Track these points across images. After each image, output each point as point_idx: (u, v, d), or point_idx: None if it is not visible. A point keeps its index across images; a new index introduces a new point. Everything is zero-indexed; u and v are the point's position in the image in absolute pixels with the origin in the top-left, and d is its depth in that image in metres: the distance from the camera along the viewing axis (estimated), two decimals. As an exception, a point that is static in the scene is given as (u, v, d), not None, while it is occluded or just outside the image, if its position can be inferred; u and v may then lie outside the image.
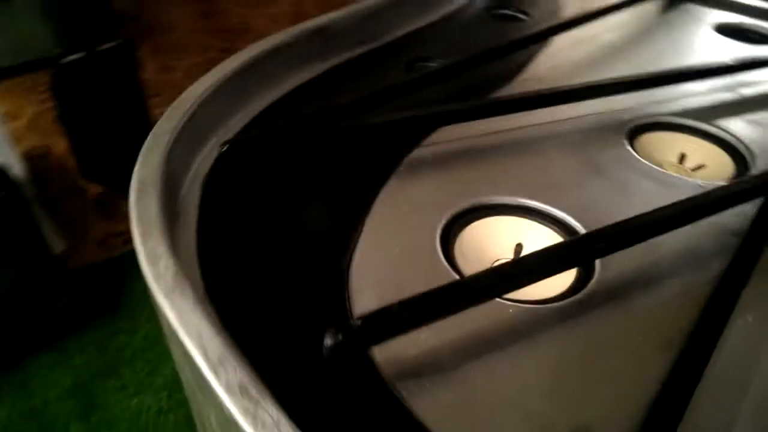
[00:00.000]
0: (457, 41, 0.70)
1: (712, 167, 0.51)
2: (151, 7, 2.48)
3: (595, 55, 0.68)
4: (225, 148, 0.46)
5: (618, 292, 0.35)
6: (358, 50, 0.64)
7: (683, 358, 0.30)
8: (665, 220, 0.36)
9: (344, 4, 0.62)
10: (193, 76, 0.48)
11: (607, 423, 0.27)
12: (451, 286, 0.31)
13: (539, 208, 0.43)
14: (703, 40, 0.72)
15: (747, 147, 0.50)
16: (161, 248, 0.32)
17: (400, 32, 0.69)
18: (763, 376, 0.30)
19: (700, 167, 0.52)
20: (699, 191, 0.42)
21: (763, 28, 0.75)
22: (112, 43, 1.46)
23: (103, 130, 1.51)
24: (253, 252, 0.38)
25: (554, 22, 0.66)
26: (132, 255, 0.32)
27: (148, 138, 0.42)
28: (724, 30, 0.74)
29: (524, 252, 0.42)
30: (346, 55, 0.63)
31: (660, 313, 0.34)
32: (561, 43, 0.68)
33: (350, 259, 0.37)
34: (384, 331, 0.28)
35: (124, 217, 0.35)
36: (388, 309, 0.28)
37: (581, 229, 0.40)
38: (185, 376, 0.32)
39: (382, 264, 0.37)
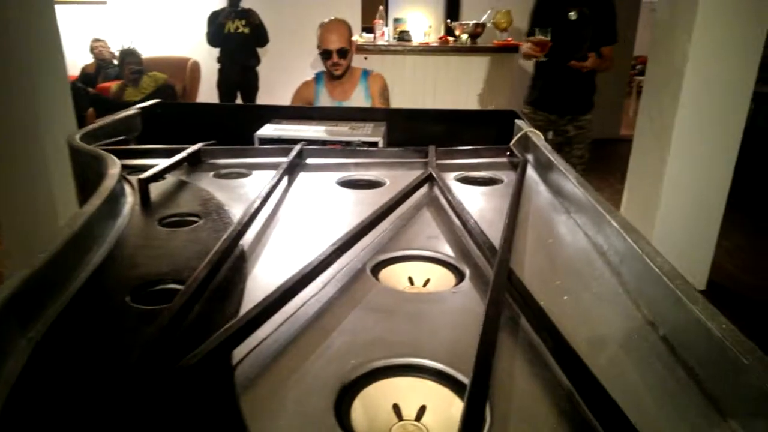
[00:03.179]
0: (158, 255, 0.65)
1: (435, 280, 0.64)
2: None
3: (282, 227, 0.75)
4: None
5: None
6: (66, 296, 0.53)
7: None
8: (492, 333, 0.45)
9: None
10: None
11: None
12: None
13: (388, 365, 0.46)
14: (334, 190, 0.93)
15: (453, 259, 0.66)
16: None
17: (85, 274, 0.60)
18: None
19: (427, 282, 0.64)
20: (441, 298, 0.57)
21: (362, 180, 0.99)
22: None
23: None
24: None
25: (238, 221, 0.71)
26: None
27: None
28: (342, 183, 0.96)
29: (402, 409, 0.43)
30: (56, 309, 0.51)
31: None
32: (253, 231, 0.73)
33: None
34: None
35: None
36: None
37: (431, 365, 0.45)
38: None
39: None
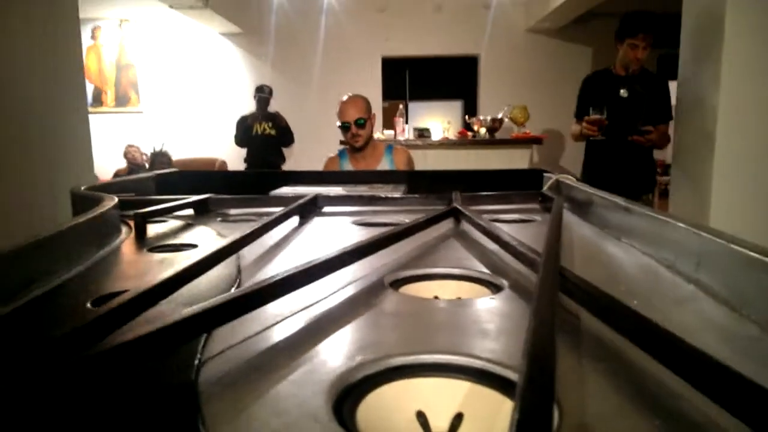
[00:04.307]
0: (138, 273, 0.56)
1: (466, 296, 0.53)
2: None
3: (287, 253, 0.65)
4: None
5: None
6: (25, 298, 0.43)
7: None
8: (550, 305, 0.34)
9: None
10: None
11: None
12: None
13: (412, 362, 0.34)
14: (349, 228, 0.84)
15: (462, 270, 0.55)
16: None
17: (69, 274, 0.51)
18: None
19: (457, 300, 0.53)
20: (476, 303, 0.45)
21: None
22: None
23: None
24: None
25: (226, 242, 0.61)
26: None
27: None
28: (358, 224, 0.87)
29: (430, 418, 0.31)
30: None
31: None
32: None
33: None
34: None
35: None
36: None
37: (454, 362, 0.33)
38: None
39: None
